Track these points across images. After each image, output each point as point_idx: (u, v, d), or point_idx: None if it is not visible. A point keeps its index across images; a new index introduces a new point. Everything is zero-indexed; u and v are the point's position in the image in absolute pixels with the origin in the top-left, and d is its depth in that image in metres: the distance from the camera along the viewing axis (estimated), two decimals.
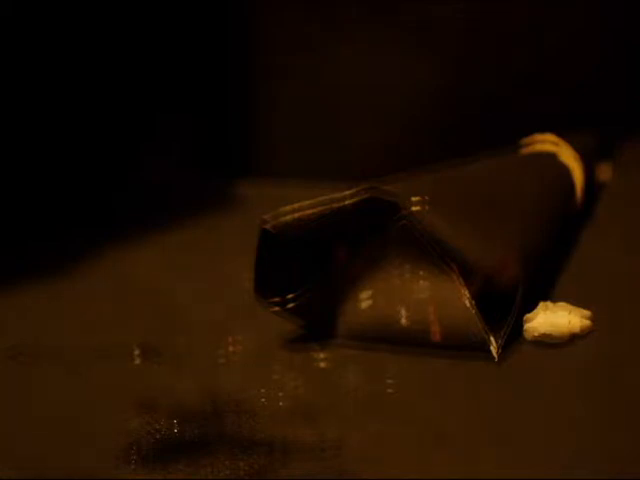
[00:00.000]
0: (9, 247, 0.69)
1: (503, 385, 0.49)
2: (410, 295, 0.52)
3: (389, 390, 0.50)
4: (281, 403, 0.49)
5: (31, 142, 0.77)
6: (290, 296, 0.54)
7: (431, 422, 0.46)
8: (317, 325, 0.54)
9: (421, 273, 0.52)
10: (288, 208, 0.53)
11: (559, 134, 0.71)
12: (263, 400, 0.49)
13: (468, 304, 0.51)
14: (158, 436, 0.46)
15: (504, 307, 0.52)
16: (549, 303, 0.53)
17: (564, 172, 0.69)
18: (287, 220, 0.52)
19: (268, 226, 0.52)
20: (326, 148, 0.85)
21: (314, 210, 0.52)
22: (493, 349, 0.51)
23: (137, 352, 0.54)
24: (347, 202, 0.52)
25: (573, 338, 0.52)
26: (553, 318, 0.52)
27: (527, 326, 0.53)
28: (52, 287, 0.64)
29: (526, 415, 0.47)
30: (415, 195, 0.52)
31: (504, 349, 0.51)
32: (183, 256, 0.69)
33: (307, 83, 0.86)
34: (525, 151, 0.71)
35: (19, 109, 0.76)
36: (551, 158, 0.70)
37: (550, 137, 0.71)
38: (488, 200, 0.57)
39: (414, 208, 0.52)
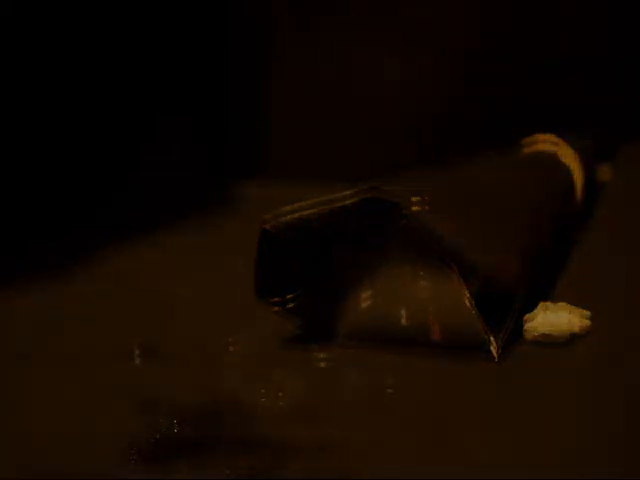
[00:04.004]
0: (9, 247, 0.69)
1: (503, 385, 0.49)
2: (410, 295, 0.52)
3: (389, 390, 0.50)
4: (281, 403, 0.49)
5: (31, 142, 0.77)
6: (290, 296, 0.54)
7: (431, 422, 0.46)
8: (317, 325, 0.54)
9: (421, 273, 0.52)
10: (288, 208, 0.53)
11: (559, 134, 0.71)
12: (263, 400, 0.49)
13: (468, 304, 0.51)
14: (158, 436, 0.46)
15: (504, 307, 0.52)
16: (549, 303, 0.53)
17: (564, 172, 0.69)
18: (287, 220, 0.52)
19: (268, 226, 0.52)
20: (326, 148, 0.85)
21: (314, 210, 0.52)
22: (493, 349, 0.51)
23: (137, 352, 0.54)
24: (347, 202, 0.52)
25: (573, 338, 0.52)
26: (553, 318, 0.52)
27: (527, 326, 0.53)
28: (52, 287, 0.63)
29: (526, 415, 0.47)
30: (415, 195, 0.52)
31: (504, 349, 0.51)
32: (183, 256, 0.69)
33: (307, 83, 0.86)
34: (525, 151, 0.71)
35: (19, 109, 0.76)
36: (551, 158, 0.70)
37: (550, 137, 0.71)
38: (488, 200, 0.57)
39: (414, 208, 0.52)
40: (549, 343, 0.52)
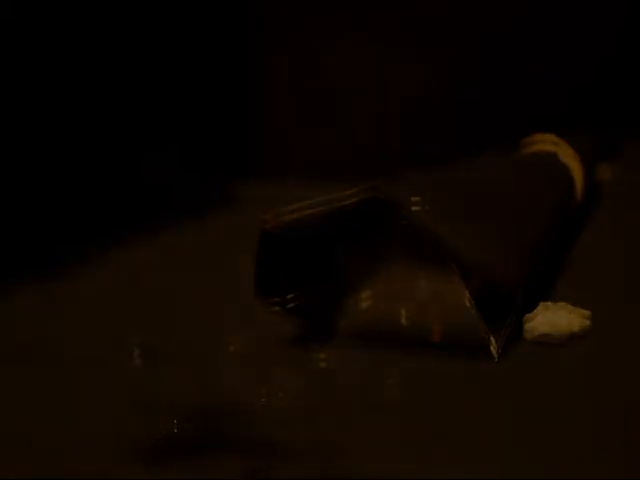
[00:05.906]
0: (9, 247, 0.69)
1: (503, 385, 0.49)
2: (410, 295, 0.52)
3: (389, 390, 0.50)
4: (281, 403, 0.49)
5: (31, 143, 0.77)
6: (290, 296, 0.54)
7: (431, 422, 0.46)
8: (317, 325, 0.54)
9: (421, 273, 0.52)
10: (288, 208, 0.53)
11: (559, 134, 0.71)
12: (263, 400, 0.49)
13: (468, 304, 0.51)
14: (158, 436, 0.46)
15: (504, 307, 0.52)
16: (549, 303, 0.53)
17: (564, 172, 0.69)
18: (287, 220, 0.52)
19: (268, 226, 0.52)
20: (326, 148, 0.85)
21: (314, 210, 0.52)
22: (493, 349, 0.51)
23: (137, 352, 0.54)
24: (347, 202, 0.52)
25: (573, 338, 0.52)
26: (553, 318, 0.52)
27: (527, 326, 0.53)
28: (52, 287, 0.63)
29: (526, 415, 0.47)
30: (415, 195, 0.52)
31: (504, 349, 0.51)
32: (183, 256, 0.69)
33: (307, 83, 0.86)
34: (525, 151, 0.71)
35: (20, 110, 0.76)
36: (551, 158, 0.70)
37: (550, 137, 0.71)
38: (488, 200, 0.57)
39: (414, 208, 0.52)
40: (549, 343, 0.52)
